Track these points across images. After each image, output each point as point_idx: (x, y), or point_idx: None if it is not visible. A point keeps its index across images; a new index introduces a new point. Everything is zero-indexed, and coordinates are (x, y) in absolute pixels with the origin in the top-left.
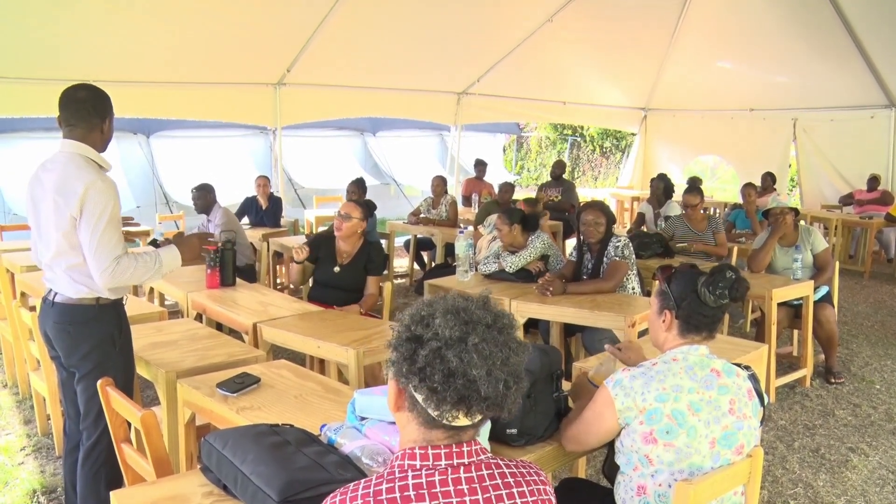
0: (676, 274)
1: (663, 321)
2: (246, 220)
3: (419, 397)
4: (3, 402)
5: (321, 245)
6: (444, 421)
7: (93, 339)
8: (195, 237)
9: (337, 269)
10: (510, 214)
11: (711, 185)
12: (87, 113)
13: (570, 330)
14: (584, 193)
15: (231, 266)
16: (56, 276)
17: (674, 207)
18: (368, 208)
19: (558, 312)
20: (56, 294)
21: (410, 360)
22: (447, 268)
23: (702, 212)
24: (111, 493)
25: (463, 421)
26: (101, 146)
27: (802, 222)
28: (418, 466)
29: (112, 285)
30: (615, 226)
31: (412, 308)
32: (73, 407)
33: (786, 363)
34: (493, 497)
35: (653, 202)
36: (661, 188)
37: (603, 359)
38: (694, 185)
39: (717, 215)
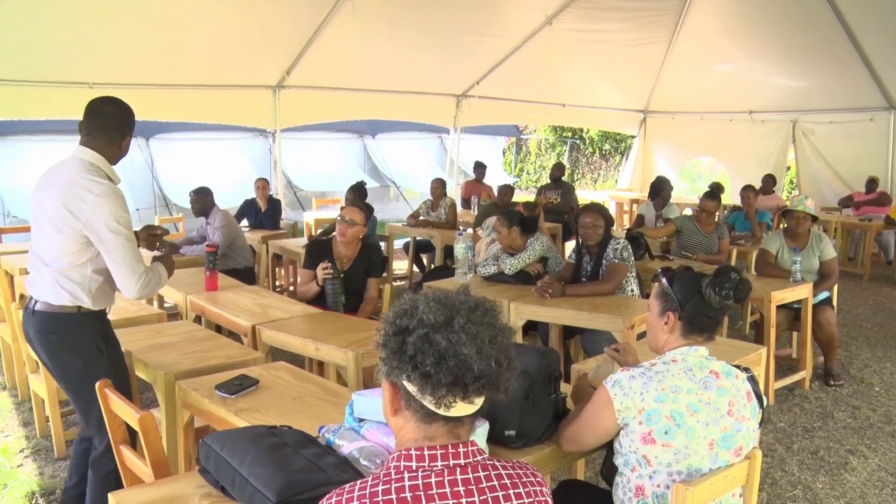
0: (679, 276)
1: (666, 323)
2: (245, 222)
3: (413, 389)
4: (2, 403)
5: (321, 251)
6: (441, 409)
7: (77, 349)
8: (170, 257)
9: (340, 275)
10: (509, 217)
11: (706, 187)
12: (110, 128)
13: (569, 332)
14: (584, 196)
15: (340, 295)
16: (42, 279)
17: (674, 209)
18: (369, 211)
19: (557, 314)
20: (36, 302)
21: (400, 351)
22: (446, 270)
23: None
24: (109, 495)
25: (460, 407)
26: (114, 160)
27: (815, 228)
28: (414, 467)
29: (140, 297)
30: (614, 228)
31: (394, 306)
32: None
33: (785, 365)
34: (489, 498)
35: (659, 204)
36: (666, 189)
37: (601, 360)
38: (714, 192)
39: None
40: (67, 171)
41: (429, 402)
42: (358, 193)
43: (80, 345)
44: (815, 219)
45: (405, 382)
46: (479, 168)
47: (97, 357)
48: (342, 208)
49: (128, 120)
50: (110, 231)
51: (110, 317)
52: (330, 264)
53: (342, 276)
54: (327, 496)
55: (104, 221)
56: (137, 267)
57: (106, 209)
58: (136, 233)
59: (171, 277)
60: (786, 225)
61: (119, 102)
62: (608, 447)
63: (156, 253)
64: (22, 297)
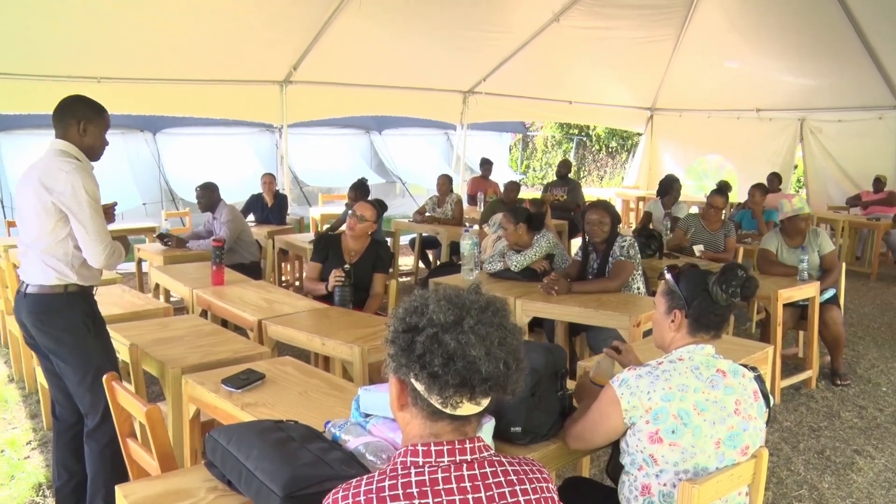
0: (685, 273)
1: (672, 321)
2: (251, 217)
3: (421, 387)
4: (10, 396)
5: (329, 245)
6: (448, 409)
7: (66, 327)
8: (125, 237)
9: (347, 267)
10: (516, 213)
11: (713, 185)
12: (62, 114)
13: (574, 329)
14: (590, 193)
15: (349, 304)
16: (29, 262)
17: (682, 208)
18: (381, 208)
19: (563, 311)
20: (28, 286)
21: (409, 349)
22: (452, 266)
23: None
24: (116, 487)
25: (467, 408)
26: (87, 150)
27: (813, 225)
28: (421, 463)
29: (106, 266)
30: (620, 225)
31: (405, 302)
32: (61, 392)
33: (791, 364)
34: (495, 494)
35: (669, 202)
36: (676, 188)
37: (601, 357)
38: (722, 189)
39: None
40: (43, 161)
41: (435, 401)
42: (360, 191)
43: (68, 323)
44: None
45: (413, 381)
46: (486, 164)
47: (85, 334)
48: (346, 204)
49: (77, 107)
50: (80, 202)
51: (119, 310)
52: (343, 274)
53: (352, 282)
54: (333, 491)
55: (74, 192)
56: (105, 237)
57: (77, 182)
58: None
59: (177, 272)
60: (780, 225)
61: (71, 97)
62: (614, 445)
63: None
64: (18, 290)
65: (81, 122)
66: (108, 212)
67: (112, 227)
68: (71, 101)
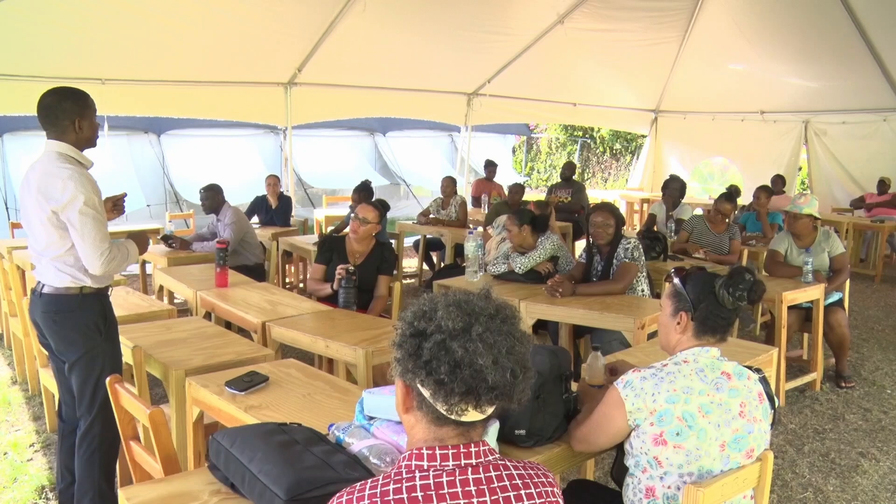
0: (692, 276)
1: (678, 323)
2: (256, 219)
3: (426, 393)
4: (13, 398)
5: (334, 247)
6: (454, 415)
7: (78, 328)
8: (145, 234)
9: (351, 268)
10: (520, 215)
11: (718, 187)
12: (53, 118)
13: (579, 331)
14: (594, 195)
15: (353, 304)
16: (43, 267)
17: (686, 210)
18: (383, 208)
19: (568, 314)
20: (43, 286)
21: (416, 354)
22: (456, 268)
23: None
24: (120, 490)
25: (472, 415)
26: (81, 144)
27: (823, 226)
28: (426, 467)
29: (104, 273)
30: (624, 227)
31: (413, 306)
32: (69, 393)
33: (796, 367)
34: (500, 498)
35: (668, 203)
36: (678, 189)
37: (590, 359)
38: (731, 195)
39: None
40: (41, 165)
41: (441, 408)
42: (364, 194)
43: (80, 324)
44: (815, 218)
45: (419, 386)
46: (490, 166)
47: (96, 336)
48: (350, 206)
49: (69, 104)
50: (76, 210)
51: (123, 312)
52: (346, 268)
53: (357, 284)
54: (337, 495)
55: (70, 201)
56: (101, 245)
57: (73, 189)
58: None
59: (181, 273)
60: (785, 223)
61: (58, 92)
62: (618, 448)
63: (130, 229)
64: (33, 290)
65: (76, 119)
66: (118, 203)
67: (118, 228)
68: (56, 101)
